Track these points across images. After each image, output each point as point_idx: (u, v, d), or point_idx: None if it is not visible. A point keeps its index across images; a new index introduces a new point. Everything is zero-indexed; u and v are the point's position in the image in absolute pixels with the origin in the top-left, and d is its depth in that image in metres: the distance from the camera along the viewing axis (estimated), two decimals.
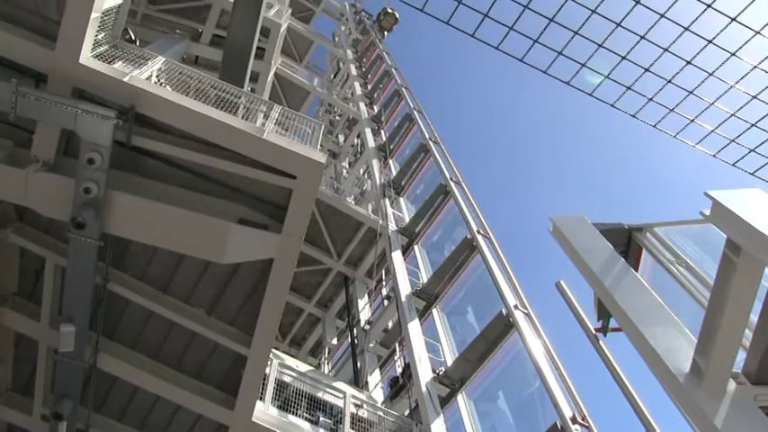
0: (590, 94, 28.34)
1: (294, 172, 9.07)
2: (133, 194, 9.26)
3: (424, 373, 14.11)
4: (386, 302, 19.91)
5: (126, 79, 8.90)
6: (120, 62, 9.45)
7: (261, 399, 11.37)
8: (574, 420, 10.65)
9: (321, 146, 9.84)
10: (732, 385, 4.71)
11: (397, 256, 18.94)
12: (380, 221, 20.65)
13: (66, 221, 9.15)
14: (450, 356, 15.03)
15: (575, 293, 7.27)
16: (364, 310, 20.49)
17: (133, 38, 12.88)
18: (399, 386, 15.63)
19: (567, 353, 12.52)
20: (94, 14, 8.65)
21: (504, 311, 13.80)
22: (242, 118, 9.54)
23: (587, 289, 6.56)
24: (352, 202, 23.45)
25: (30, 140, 9.30)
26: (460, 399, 13.89)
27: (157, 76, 9.94)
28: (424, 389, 13.65)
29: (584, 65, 27.17)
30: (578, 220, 7.27)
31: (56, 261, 10.25)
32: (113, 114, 8.71)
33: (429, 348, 15.34)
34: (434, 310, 16.93)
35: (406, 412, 14.72)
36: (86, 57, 8.82)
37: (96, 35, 9.10)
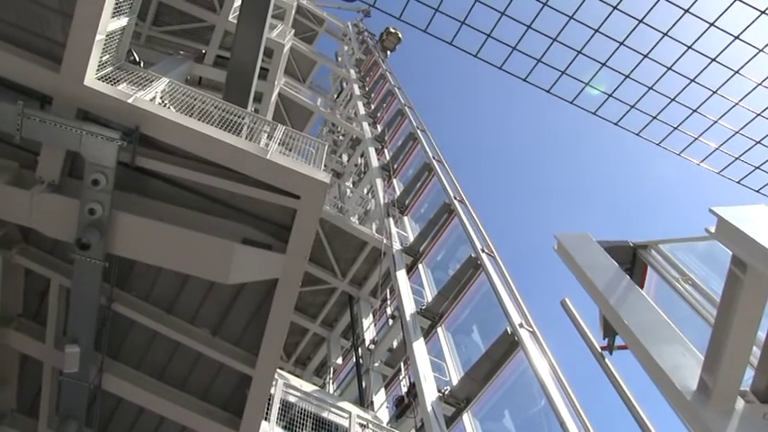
0: (594, 113, 28.40)
1: (298, 192, 9.08)
2: (137, 215, 9.26)
3: (430, 393, 14.04)
4: (390, 322, 19.89)
5: (130, 101, 8.94)
6: (125, 84, 9.49)
7: (266, 419, 11.34)
8: None
9: (325, 166, 9.86)
10: (740, 403, 4.67)
11: (401, 276, 18.92)
12: (384, 241, 20.66)
13: (71, 242, 9.16)
14: (455, 375, 14.97)
15: (580, 311, 7.25)
16: (369, 330, 20.45)
17: (137, 59, 12.96)
18: (405, 405, 15.55)
19: (572, 371, 12.47)
20: (99, 37, 8.69)
21: (509, 330, 13.75)
22: (246, 138, 9.56)
23: (593, 307, 6.53)
24: (357, 222, 23.47)
25: (35, 162, 9.34)
26: (466, 418, 13.80)
27: (161, 98, 9.98)
28: (429, 408, 13.57)
29: (587, 84, 27.26)
30: (583, 238, 7.23)
31: (60, 282, 10.24)
32: (118, 136, 8.73)
33: (434, 367, 15.29)
34: (439, 329, 16.90)
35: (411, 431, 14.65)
36: (91, 79, 8.87)
37: (101, 57, 9.14)
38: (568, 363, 12.99)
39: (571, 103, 28.11)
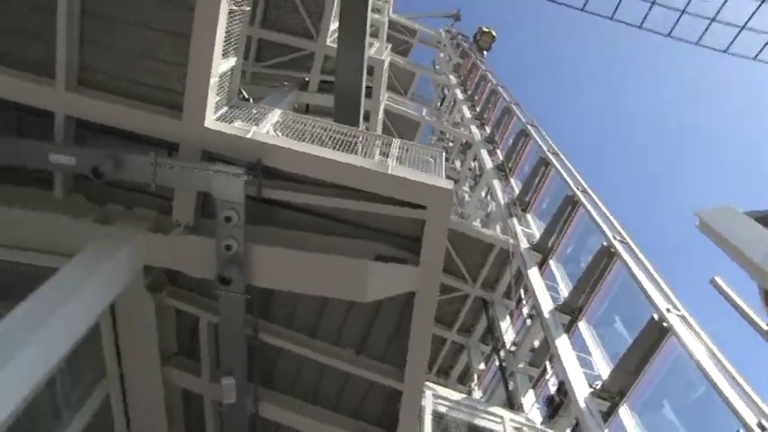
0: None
1: (424, 202, 9.05)
2: (271, 246, 9.51)
3: (580, 389, 13.63)
4: (529, 321, 19.52)
5: (249, 136, 9.21)
6: (240, 121, 9.74)
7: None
8: (762, 428, 9.88)
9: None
10: None
11: (533, 274, 18.56)
12: (511, 241, 20.37)
13: (213, 279, 9.53)
14: (604, 369, 14.44)
15: (734, 289, 6.86)
16: (508, 332, 20.15)
17: (246, 96, 13.39)
18: (556, 405, 15.19)
19: (728, 352, 11.76)
20: (213, 80, 9.01)
21: (655, 316, 13.16)
22: (362, 156, 9.63)
23: (746, 283, 6.16)
24: (480, 226, 23.28)
25: (170, 207, 9.80)
26: (623, 412, 13.29)
27: (276, 129, 10.19)
28: (582, 405, 13.17)
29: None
30: (727, 211, 6.85)
31: (208, 318, 10.66)
32: (243, 171, 9.01)
33: (581, 363, 14.84)
34: (580, 324, 16.40)
35: (568, 431, 14.24)
36: (211, 120, 9.21)
37: (216, 98, 9.45)
38: (721, 344, 12.26)
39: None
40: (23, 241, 9.60)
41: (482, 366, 22.25)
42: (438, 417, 12.00)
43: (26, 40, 9.17)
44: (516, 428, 12.69)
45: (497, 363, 19.57)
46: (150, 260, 9.79)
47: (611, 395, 13.38)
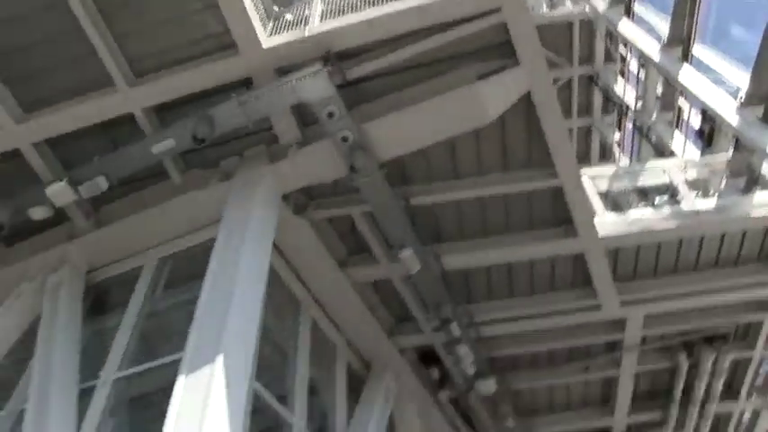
0: None
1: (496, 4, 8.85)
2: (379, 118, 9.70)
3: (727, 107, 13.15)
4: (642, 73, 18.81)
5: (308, 33, 9.20)
6: (286, 31, 9.60)
7: (595, 215, 11.44)
8: None
9: None
10: None
11: (624, 25, 17.79)
12: (586, 8, 19.54)
13: (346, 174, 9.90)
14: (742, 78, 13.68)
15: None
16: (626, 93, 19.56)
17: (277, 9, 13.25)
18: (708, 133, 14.71)
19: None
20: (247, 2, 8.89)
21: None
22: None
23: None
24: (549, 11, 22.34)
25: (274, 135, 10.12)
26: None
27: (325, 16, 10.06)
28: (736, 120, 12.75)
29: None
30: None
31: (360, 211, 11.01)
32: (320, 66, 9.06)
33: (714, 83, 14.22)
34: (695, 49, 15.59)
35: (731, 150, 13.79)
36: (266, 40, 9.23)
37: (259, 18, 9.36)
38: None
39: None
40: (176, 231, 10.34)
41: (617, 136, 21.77)
42: (604, 195, 11.95)
43: (72, 65, 9.33)
44: (681, 171, 12.40)
45: (631, 125, 19.14)
46: (284, 188, 10.19)
47: (761, 98, 12.75)
